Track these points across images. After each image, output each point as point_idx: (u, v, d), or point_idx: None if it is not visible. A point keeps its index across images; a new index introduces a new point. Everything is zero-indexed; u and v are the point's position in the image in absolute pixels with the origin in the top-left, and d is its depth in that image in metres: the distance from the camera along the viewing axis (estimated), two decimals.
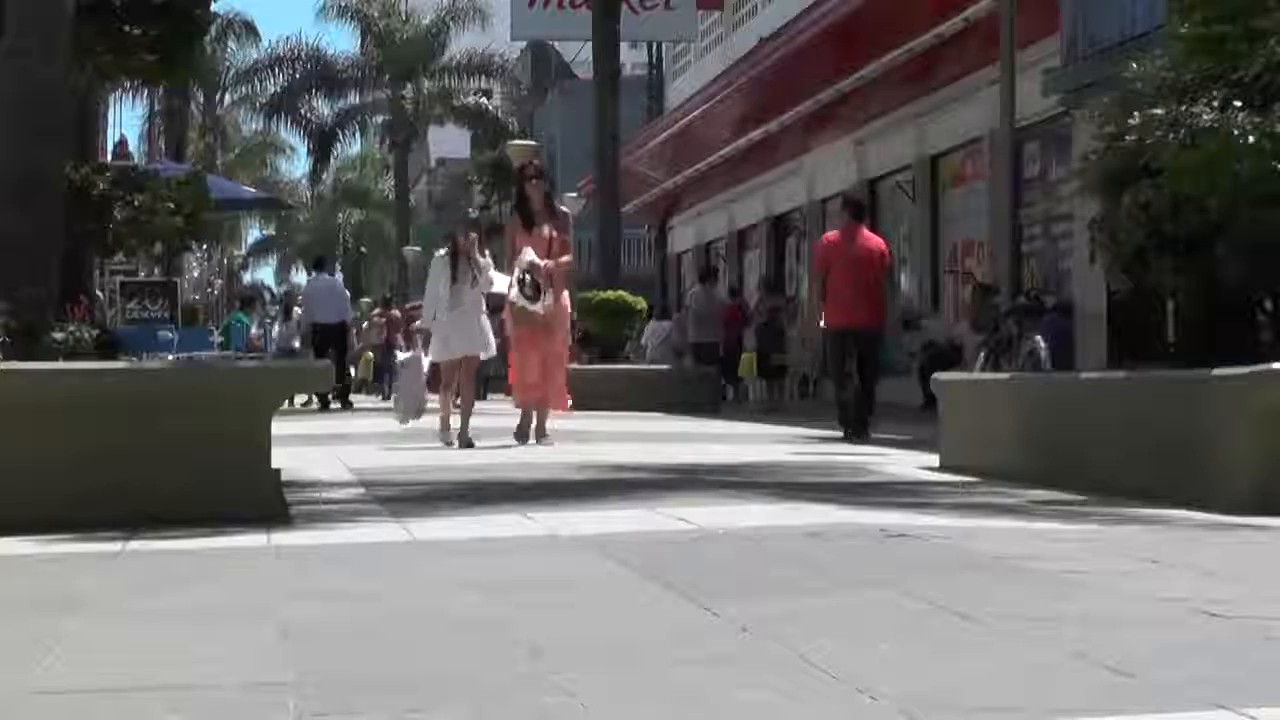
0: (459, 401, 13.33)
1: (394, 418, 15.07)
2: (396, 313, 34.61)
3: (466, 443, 12.93)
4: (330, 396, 23.54)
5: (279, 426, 8.10)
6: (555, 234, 13.30)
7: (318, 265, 26.98)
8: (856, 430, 14.54)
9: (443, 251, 13.59)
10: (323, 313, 24.35)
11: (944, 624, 4.20)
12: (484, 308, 13.41)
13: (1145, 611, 4.39)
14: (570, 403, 13.80)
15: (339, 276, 29.02)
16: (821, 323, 15.12)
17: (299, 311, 26.78)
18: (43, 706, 3.45)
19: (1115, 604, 4.53)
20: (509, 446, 12.86)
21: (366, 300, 53.06)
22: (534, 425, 13.28)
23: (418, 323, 14.92)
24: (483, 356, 13.57)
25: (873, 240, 15.42)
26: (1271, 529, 6.64)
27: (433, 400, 14.41)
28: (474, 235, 13.56)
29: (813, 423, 16.74)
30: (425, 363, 14.25)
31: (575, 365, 23.99)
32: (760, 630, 4.13)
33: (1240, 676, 3.50)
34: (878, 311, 14.96)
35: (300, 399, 23.48)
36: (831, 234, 15.87)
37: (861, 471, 10.24)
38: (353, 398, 26.43)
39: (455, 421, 13.27)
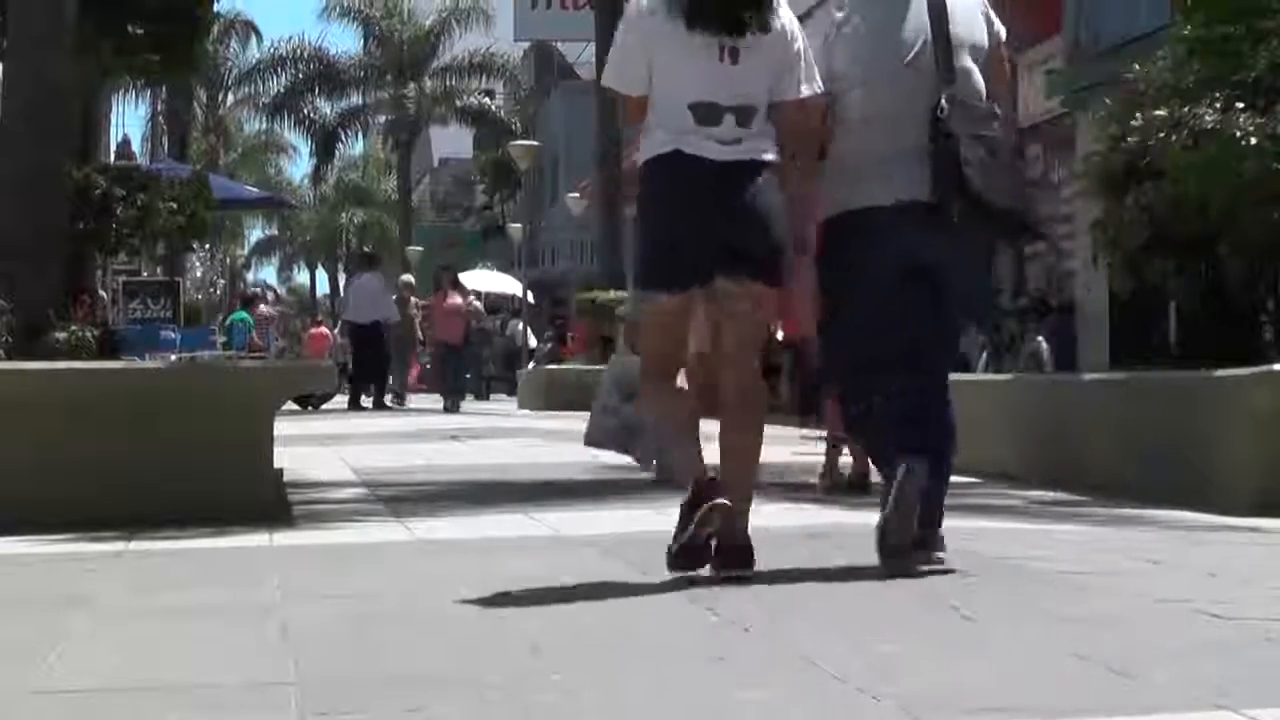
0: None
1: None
2: None
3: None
4: (363, 395, 23.58)
5: (281, 426, 8.10)
6: None
7: (365, 264, 26.51)
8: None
9: None
10: (353, 312, 24.42)
11: (945, 624, 4.20)
12: None
13: (1146, 612, 4.39)
14: None
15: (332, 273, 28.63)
16: (779, 336, 16.78)
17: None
18: (43, 706, 3.45)
19: (1116, 604, 4.53)
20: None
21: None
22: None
23: (622, 308, 9.86)
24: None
25: None
26: (1272, 530, 6.64)
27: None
28: None
29: (814, 422, 16.73)
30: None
31: (579, 365, 24.02)
32: (761, 629, 4.13)
33: (1241, 677, 3.50)
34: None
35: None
36: None
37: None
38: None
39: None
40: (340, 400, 23.39)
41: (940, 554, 5.06)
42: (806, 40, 5.07)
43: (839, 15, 5.21)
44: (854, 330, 5.16)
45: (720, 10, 4.89)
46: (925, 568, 4.96)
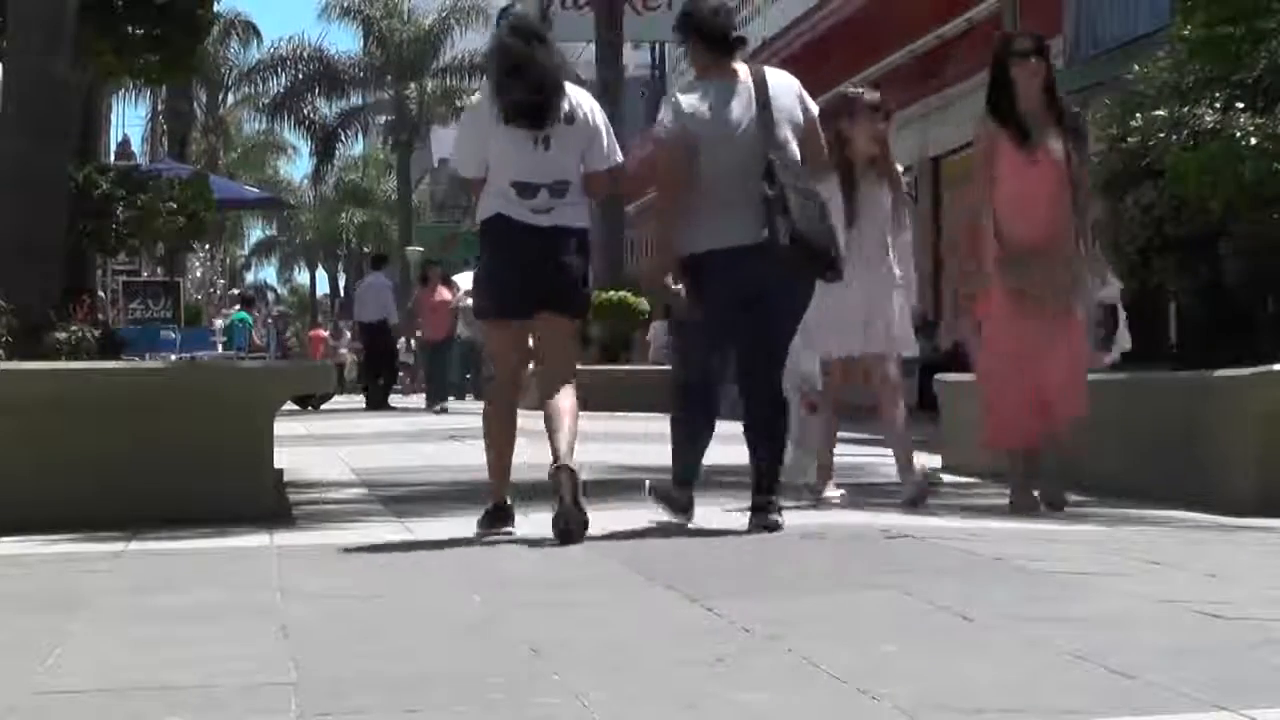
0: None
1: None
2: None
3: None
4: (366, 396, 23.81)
5: (281, 426, 8.10)
6: (1071, 153, 7.40)
7: (374, 264, 26.73)
8: None
9: None
10: (362, 311, 24.70)
11: (945, 624, 4.20)
12: (896, 272, 7.96)
13: (1146, 612, 4.39)
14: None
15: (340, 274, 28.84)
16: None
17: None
18: (44, 706, 3.45)
19: (1116, 605, 4.53)
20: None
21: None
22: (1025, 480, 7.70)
23: None
24: (905, 354, 8.12)
25: None
26: (1273, 530, 6.64)
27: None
28: (882, 128, 8.06)
29: None
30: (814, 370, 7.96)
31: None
32: (761, 631, 4.13)
33: (1241, 677, 3.50)
34: None
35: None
36: None
37: (863, 472, 10.23)
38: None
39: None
40: (339, 401, 23.39)
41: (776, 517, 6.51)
42: (606, 121, 6.61)
43: (690, 96, 6.55)
44: (701, 341, 6.58)
45: (522, 115, 6.38)
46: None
